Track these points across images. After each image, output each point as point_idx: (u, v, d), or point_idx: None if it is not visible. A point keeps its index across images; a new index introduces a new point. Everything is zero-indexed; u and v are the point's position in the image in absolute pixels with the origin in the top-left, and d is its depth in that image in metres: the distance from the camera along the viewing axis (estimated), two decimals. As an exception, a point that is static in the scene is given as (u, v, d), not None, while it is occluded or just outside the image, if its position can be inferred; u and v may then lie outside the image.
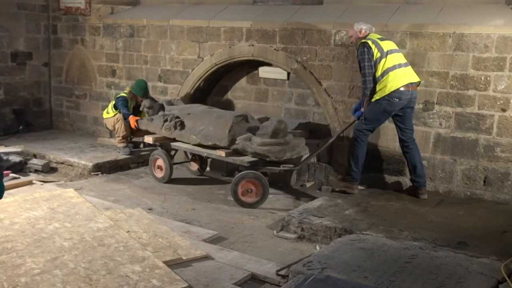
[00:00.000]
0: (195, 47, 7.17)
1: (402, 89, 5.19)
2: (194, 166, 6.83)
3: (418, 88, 5.61)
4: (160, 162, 6.41)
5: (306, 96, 6.74)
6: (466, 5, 5.66)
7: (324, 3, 6.53)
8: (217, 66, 7.02)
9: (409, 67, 5.34)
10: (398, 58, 5.29)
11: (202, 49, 7.10)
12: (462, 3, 5.70)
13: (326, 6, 6.51)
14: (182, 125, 6.13)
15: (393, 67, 5.21)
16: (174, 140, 6.28)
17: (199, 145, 5.98)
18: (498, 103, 5.27)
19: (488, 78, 5.28)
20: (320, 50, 6.17)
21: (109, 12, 8.09)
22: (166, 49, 7.45)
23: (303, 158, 5.83)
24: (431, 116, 5.61)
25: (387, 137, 5.85)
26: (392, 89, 5.17)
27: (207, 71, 7.10)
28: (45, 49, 8.75)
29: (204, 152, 5.97)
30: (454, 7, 5.68)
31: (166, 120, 6.25)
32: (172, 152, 6.46)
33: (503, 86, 5.23)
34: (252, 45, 6.65)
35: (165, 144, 6.38)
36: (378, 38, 5.33)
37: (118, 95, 7.17)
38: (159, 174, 6.44)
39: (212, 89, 7.49)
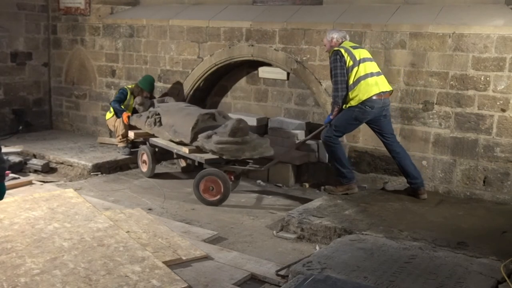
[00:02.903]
0: (195, 47, 7.17)
1: (374, 97, 5.15)
2: (183, 162, 6.90)
3: (418, 88, 5.62)
4: (145, 157, 6.63)
5: (306, 96, 6.74)
6: (465, 5, 5.66)
7: (324, 3, 6.53)
8: (216, 66, 7.02)
9: (382, 76, 5.31)
10: (370, 66, 5.25)
11: (202, 49, 7.10)
12: (462, 3, 5.70)
13: (326, 6, 6.50)
14: (161, 122, 6.29)
15: (365, 76, 5.17)
16: (155, 136, 6.50)
17: (172, 141, 6.14)
18: (498, 103, 5.27)
19: (488, 78, 5.28)
20: (320, 50, 6.17)
21: (108, 12, 8.09)
22: (166, 49, 7.45)
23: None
24: (431, 116, 5.61)
25: (387, 137, 5.85)
26: (364, 98, 5.13)
27: (207, 71, 7.10)
28: (45, 49, 8.75)
29: (175, 148, 6.09)
30: (453, 7, 5.68)
31: (148, 117, 6.46)
32: (157, 148, 6.59)
33: (502, 86, 5.23)
34: (252, 45, 6.65)
35: (148, 139, 6.64)
36: (351, 46, 5.29)
37: (120, 88, 7.29)
38: (144, 168, 6.67)
39: (212, 89, 7.49)
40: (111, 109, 7.19)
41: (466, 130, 5.45)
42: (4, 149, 6.87)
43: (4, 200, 4.52)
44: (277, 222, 5.06)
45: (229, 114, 6.73)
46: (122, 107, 7.07)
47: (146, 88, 7.10)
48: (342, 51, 5.20)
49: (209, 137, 5.61)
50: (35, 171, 6.68)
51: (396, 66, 5.73)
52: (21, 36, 8.42)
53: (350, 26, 5.94)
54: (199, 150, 5.75)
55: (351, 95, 5.19)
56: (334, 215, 4.82)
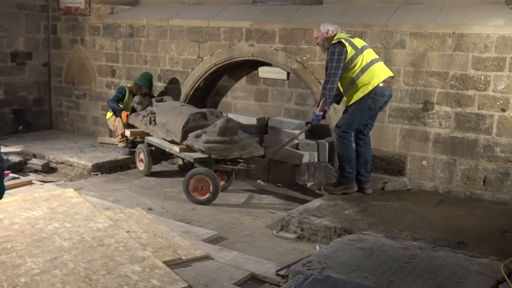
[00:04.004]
0: (195, 47, 7.17)
1: (381, 85, 5.15)
2: (180, 161, 6.94)
3: (418, 88, 5.63)
4: (142, 155, 6.68)
5: (306, 96, 6.73)
6: (466, 5, 5.66)
7: (324, 3, 6.54)
8: (216, 66, 7.02)
9: (382, 62, 5.32)
10: (372, 53, 5.26)
11: (202, 49, 7.10)
12: (462, 3, 5.70)
13: (326, 6, 6.51)
14: (155, 121, 6.35)
15: (371, 62, 5.16)
16: (150, 135, 6.56)
17: (165, 140, 6.20)
18: (498, 103, 5.27)
19: (488, 78, 5.28)
20: (320, 50, 6.16)
21: (108, 12, 8.09)
22: (166, 49, 7.45)
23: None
24: (431, 116, 5.61)
25: (387, 137, 5.85)
26: (375, 85, 5.12)
27: (207, 71, 7.10)
28: (45, 49, 8.75)
29: (167, 147, 6.14)
30: (454, 7, 5.68)
31: (144, 116, 6.53)
32: (153, 147, 6.65)
33: (502, 86, 5.23)
34: (252, 45, 6.65)
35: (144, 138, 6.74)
36: (348, 36, 5.28)
37: (120, 87, 7.33)
38: (141, 167, 6.72)
39: (212, 89, 7.49)
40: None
41: (466, 130, 5.45)
42: (4, 149, 6.90)
43: (4, 200, 4.55)
44: (277, 222, 5.06)
45: (229, 114, 6.74)
46: (121, 106, 7.08)
47: (144, 84, 7.12)
48: (343, 41, 5.13)
49: (198, 136, 5.64)
50: (35, 171, 6.68)
51: (396, 66, 5.73)
52: (21, 36, 8.41)
53: (350, 26, 5.94)
54: (190, 149, 5.79)
55: (360, 83, 5.14)
56: (334, 215, 4.82)
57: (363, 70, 5.13)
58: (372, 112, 5.32)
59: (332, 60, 5.11)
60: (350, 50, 5.13)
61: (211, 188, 5.56)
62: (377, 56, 5.30)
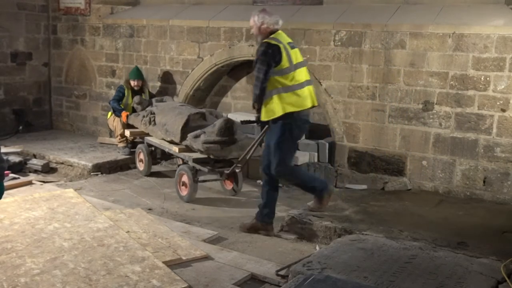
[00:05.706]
0: (195, 47, 7.17)
1: (304, 111, 4.58)
2: (180, 160, 6.93)
3: (418, 88, 5.63)
4: (141, 155, 6.72)
5: (306, 96, 6.73)
6: (466, 5, 5.66)
7: (324, 3, 6.54)
8: (217, 66, 7.03)
9: (312, 85, 4.71)
10: (305, 73, 4.64)
11: (202, 49, 7.11)
12: (462, 3, 5.71)
13: (326, 6, 6.51)
14: (155, 121, 6.38)
15: (300, 85, 4.53)
16: (149, 135, 6.61)
17: (164, 140, 6.25)
18: (498, 103, 5.27)
19: (488, 78, 5.28)
20: (320, 50, 6.17)
21: (109, 12, 8.09)
22: (166, 49, 7.45)
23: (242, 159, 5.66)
24: (431, 116, 5.61)
25: (387, 137, 5.85)
26: (296, 110, 4.49)
27: (207, 71, 7.10)
28: (45, 49, 8.75)
29: (167, 147, 6.18)
30: (454, 7, 5.68)
31: (144, 116, 6.56)
32: (153, 147, 6.69)
33: (502, 86, 5.23)
34: (252, 45, 6.65)
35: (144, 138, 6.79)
36: (289, 43, 4.57)
37: (118, 86, 7.37)
38: (141, 167, 6.75)
39: (212, 89, 7.49)
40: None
41: (466, 130, 5.45)
42: (4, 149, 6.90)
43: (4, 200, 4.55)
44: (277, 222, 5.05)
45: (229, 114, 6.74)
46: (122, 106, 7.08)
47: (131, 76, 7.15)
48: (281, 48, 4.44)
49: (197, 136, 5.65)
50: (35, 171, 6.68)
51: (396, 66, 5.73)
52: (21, 36, 8.42)
53: (350, 26, 5.95)
54: (189, 149, 5.82)
55: (279, 98, 4.47)
56: (334, 215, 4.82)
57: (287, 89, 4.47)
58: (296, 139, 4.71)
59: (262, 62, 4.41)
60: (284, 61, 4.44)
61: (188, 184, 5.63)
62: (308, 77, 4.68)
